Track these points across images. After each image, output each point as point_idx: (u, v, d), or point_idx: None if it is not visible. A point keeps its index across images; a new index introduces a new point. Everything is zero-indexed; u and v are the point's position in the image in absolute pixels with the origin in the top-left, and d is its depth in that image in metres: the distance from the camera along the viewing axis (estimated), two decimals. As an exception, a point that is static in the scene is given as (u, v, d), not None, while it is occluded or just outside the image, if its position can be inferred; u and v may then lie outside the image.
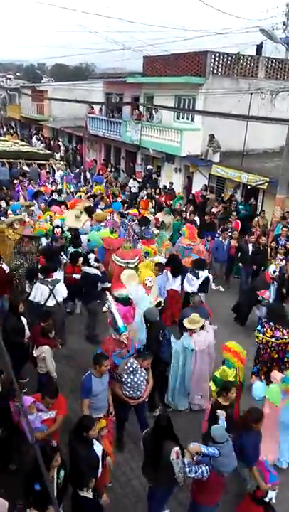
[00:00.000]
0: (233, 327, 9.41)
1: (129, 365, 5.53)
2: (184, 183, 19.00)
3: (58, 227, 9.84)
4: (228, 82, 16.98)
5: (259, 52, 18.84)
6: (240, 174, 14.82)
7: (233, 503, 5.21)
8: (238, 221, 12.68)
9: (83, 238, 9.88)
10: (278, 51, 17.81)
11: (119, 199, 14.83)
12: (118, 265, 9.21)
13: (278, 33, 16.40)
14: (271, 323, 6.84)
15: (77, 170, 22.74)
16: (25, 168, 17.75)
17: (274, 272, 9.40)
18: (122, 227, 11.41)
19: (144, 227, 11.08)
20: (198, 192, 16.43)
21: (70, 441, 4.52)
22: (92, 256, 8.72)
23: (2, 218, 10.33)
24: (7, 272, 8.38)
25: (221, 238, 11.34)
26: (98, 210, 12.16)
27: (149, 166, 20.54)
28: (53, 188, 15.51)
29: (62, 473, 4.31)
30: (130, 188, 18.36)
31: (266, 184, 13.79)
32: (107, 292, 7.02)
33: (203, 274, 8.80)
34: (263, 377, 7.03)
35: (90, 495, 4.19)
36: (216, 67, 17.07)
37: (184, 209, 14.30)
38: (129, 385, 5.51)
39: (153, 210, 13.85)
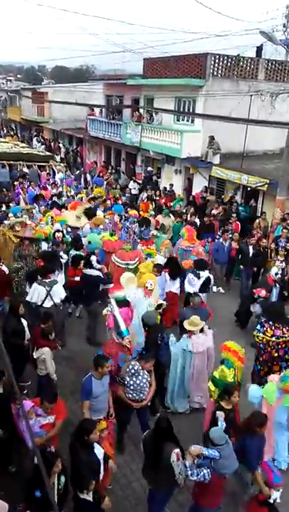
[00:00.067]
0: (234, 328, 9.41)
1: (130, 367, 5.53)
2: (184, 185, 19.02)
3: (58, 231, 9.85)
4: (228, 84, 17.01)
5: (259, 54, 18.88)
6: (241, 176, 14.83)
7: (235, 505, 5.20)
8: (238, 223, 12.70)
9: (83, 240, 9.88)
10: (278, 53, 17.88)
11: (120, 202, 14.84)
12: (118, 266, 9.22)
13: (278, 35, 16.35)
14: (271, 323, 6.83)
15: (78, 172, 22.77)
16: (25, 169, 17.77)
17: (276, 274, 9.40)
18: (123, 229, 11.39)
19: (143, 228, 11.08)
20: (198, 193, 16.44)
21: (71, 445, 4.51)
22: (94, 258, 8.73)
23: (5, 222, 10.32)
24: (7, 273, 8.38)
25: (221, 240, 11.35)
26: (99, 213, 12.15)
27: (149, 168, 20.57)
28: (54, 190, 15.52)
29: (62, 479, 4.30)
30: (130, 189, 18.40)
31: (266, 186, 13.79)
32: (110, 295, 7.04)
33: (204, 274, 8.82)
34: (267, 376, 6.99)
35: (90, 498, 4.18)
36: (216, 69, 17.10)
37: (184, 210, 14.32)
38: (132, 387, 5.51)
39: (153, 213, 13.85)
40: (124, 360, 5.90)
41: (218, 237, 11.66)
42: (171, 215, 13.11)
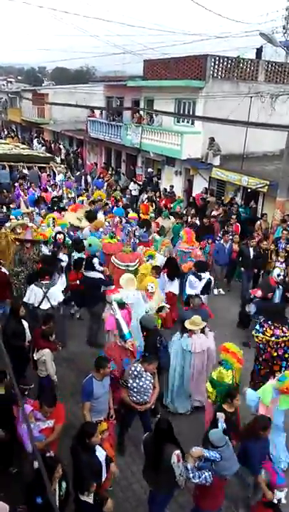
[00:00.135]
0: (234, 330, 9.41)
1: (133, 369, 5.51)
2: (184, 186, 19.04)
3: (60, 233, 9.83)
4: (228, 86, 17.06)
5: (259, 56, 18.90)
6: (241, 177, 14.85)
7: (235, 508, 5.20)
8: (238, 224, 12.70)
9: (84, 243, 9.86)
10: (278, 55, 17.87)
11: (120, 204, 14.83)
12: (118, 268, 9.22)
13: (278, 36, 16.38)
14: (270, 322, 6.84)
15: (78, 173, 22.79)
16: (25, 171, 17.78)
17: (278, 275, 9.39)
18: (123, 232, 11.38)
19: (143, 230, 11.08)
20: (198, 195, 16.44)
21: (72, 447, 4.50)
22: (96, 260, 8.72)
23: (6, 224, 10.32)
24: (7, 274, 8.39)
25: (222, 241, 11.35)
26: (99, 216, 12.13)
27: (149, 169, 20.60)
28: (54, 192, 15.51)
29: (64, 484, 4.28)
30: (131, 191, 18.40)
31: (266, 187, 13.80)
32: (107, 297, 7.05)
33: (206, 275, 8.82)
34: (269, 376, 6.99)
35: (90, 500, 4.18)
36: (216, 70, 17.14)
37: (184, 212, 14.31)
38: (135, 389, 5.50)
39: (153, 215, 13.84)
40: (128, 364, 5.88)
41: (218, 238, 11.66)
42: (170, 216, 13.10)
